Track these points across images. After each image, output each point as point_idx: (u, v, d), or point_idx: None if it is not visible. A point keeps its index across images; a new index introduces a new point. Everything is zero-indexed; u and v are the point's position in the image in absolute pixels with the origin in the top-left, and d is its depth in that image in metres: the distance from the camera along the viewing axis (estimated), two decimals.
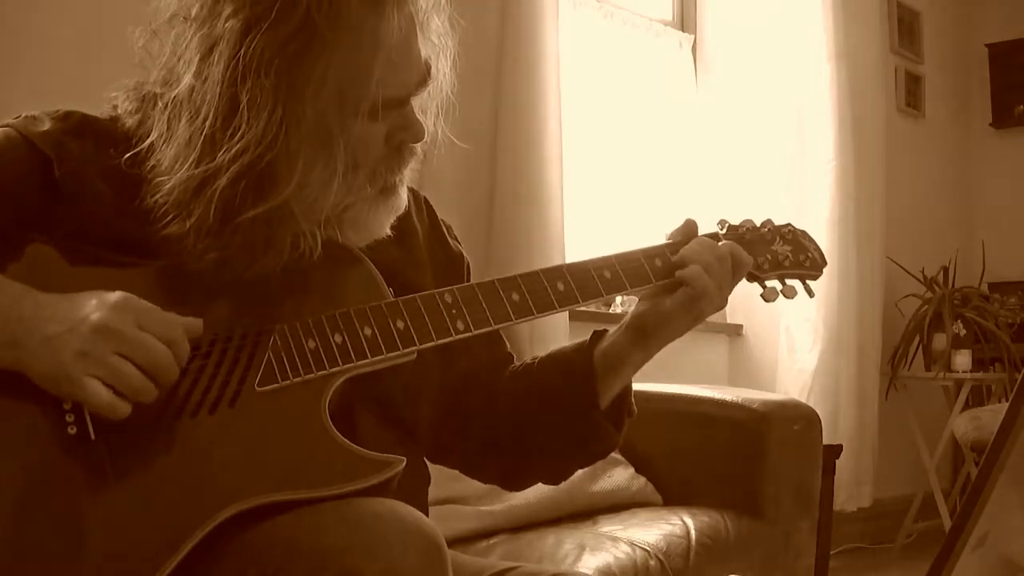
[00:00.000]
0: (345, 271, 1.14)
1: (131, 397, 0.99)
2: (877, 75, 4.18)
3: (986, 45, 5.11)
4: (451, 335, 1.13)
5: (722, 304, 1.25)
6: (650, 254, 1.26)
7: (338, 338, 1.08)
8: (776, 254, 1.35)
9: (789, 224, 1.39)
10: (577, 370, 1.26)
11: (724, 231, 1.34)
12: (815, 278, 1.38)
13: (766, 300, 1.34)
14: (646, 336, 1.25)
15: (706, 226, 1.33)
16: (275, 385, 1.06)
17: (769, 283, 1.34)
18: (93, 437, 0.99)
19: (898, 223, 4.33)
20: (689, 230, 1.30)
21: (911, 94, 4.75)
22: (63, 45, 2.17)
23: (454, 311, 1.14)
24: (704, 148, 4.00)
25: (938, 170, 4.97)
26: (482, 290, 1.17)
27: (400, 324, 1.11)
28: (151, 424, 1.01)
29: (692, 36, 4.04)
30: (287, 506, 0.99)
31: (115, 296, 1.01)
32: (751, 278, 1.33)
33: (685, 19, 4.07)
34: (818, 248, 1.40)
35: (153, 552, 0.96)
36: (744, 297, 1.28)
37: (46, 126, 1.11)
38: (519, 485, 1.40)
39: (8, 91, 2.06)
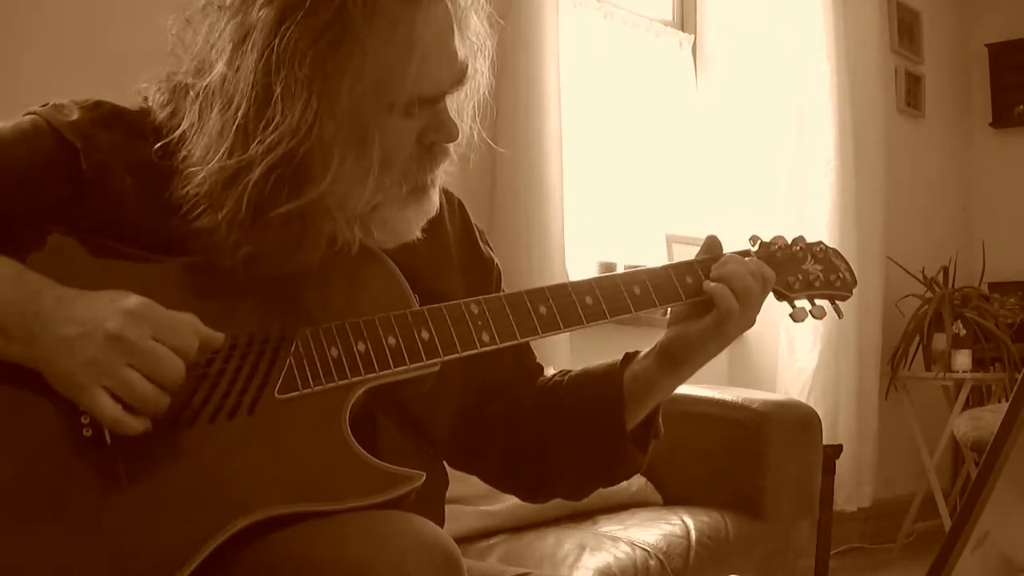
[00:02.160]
0: (369, 274, 1.12)
1: (141, 410, 0.97)
2: (877, 75, 4.19)
3: (986, 45, 5.11)
4: (476, 347, 1.11)
5: (750, 323, 1.22)
6: (680, 271, 1.23)
7: (361, 347, 1.06)
8: (807, 274, 1.32)
9: (821, 242, 1.36)
10: (606, 395, 1.24)
11: (756, 248, 1.31)
12: (845, 299, 1.35)
13: (795, 320, 1.31)
14: (676, 363, 1.22)
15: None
16: (295, 393, 1.04)
17: (798, 303, 1.31)
18: (109, 441, 0.98)
19: (898, 223, 4.33)
20: (713, 246, 1.27)
21: (911, 94, 4.75)
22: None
23: (480, 322, 1.12)
24: (704, 148, 4.00)
25: (938, 170, 4.97)
26: (509, 301, 1.14)
27: (425, 334, 1.09)
28: (168, 429, 1.00)
29: (692, 36, 4.04)
30: (303, 517, 0.97)
31: (132, 302, 0.99)
32: (780, 297, 1.30)
33: (685, 19, 4.07)
34: (849, 268, 1.36)
35: (166, 560, 0.94)
36: None
37: (75, 116, 1.08)
38: (539, 499, 1.38)
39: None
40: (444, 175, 1.16)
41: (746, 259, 1.25)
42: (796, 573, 2.35)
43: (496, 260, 1.35)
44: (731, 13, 4.06)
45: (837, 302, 1.35)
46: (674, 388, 1.25)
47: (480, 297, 1.14)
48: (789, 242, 1.33)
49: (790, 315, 1.31)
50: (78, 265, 1.04)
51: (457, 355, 1.10)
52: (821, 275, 1.33)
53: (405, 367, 1.08)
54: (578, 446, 1.26)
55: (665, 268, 1.24)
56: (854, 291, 1.36)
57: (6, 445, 0.97)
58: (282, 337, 1.05)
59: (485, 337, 1.12)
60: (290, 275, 1.07)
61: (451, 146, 1.13)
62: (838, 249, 1.38)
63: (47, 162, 1.06)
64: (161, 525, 0.97)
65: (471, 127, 1.16)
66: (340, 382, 1.05)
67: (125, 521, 0.96)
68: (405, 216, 1.13)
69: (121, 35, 1.05)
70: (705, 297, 1.21)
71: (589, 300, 1.18)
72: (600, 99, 3.61)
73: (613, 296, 1.19)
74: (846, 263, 1.37)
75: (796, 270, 1.31)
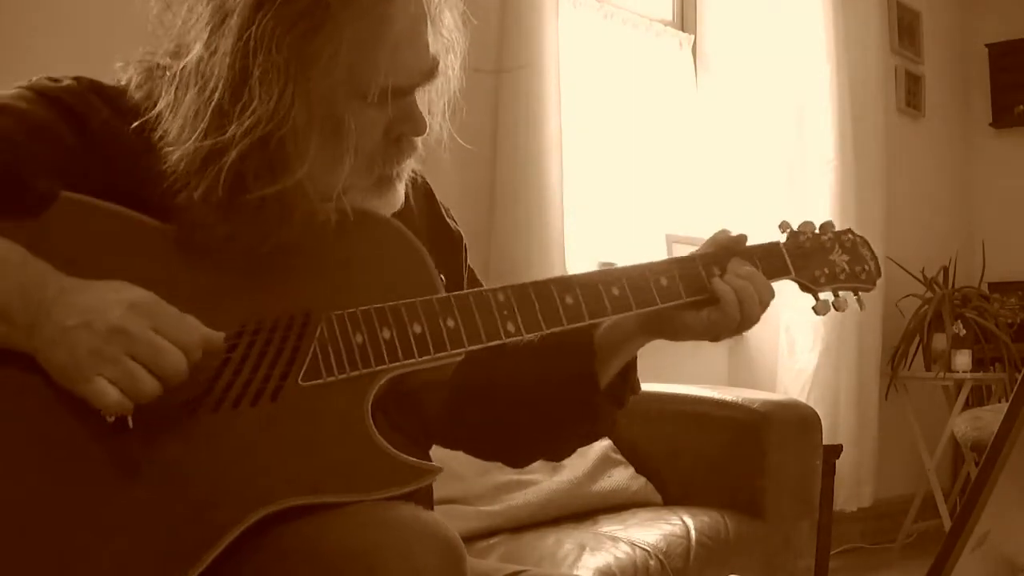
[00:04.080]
0: (394, 252, 1.11)
1: (136, 399, 0.97)
2: (877, 75, 4.19)
3: (986, 45, 5.10)
4: (501, 338, 1.10)
5: (740, 333, 1.23)
6: (707, 262, 1.22)
7: (387, 334, 1.05)
8: (834, 265, 1.31)
9: (850, 230, 1.35)
10: (577, 351, 1.23)
11: (785, 238, 1.30)
12: (868, 291, 1.34)
13: (817, 313, 1.30)
14: (656, 331, 1.23)
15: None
16: (319, 381, 1.03)
17: (823, 295, 1.30)
18: (131, 426, 0.97)
19: (898, 223, 4.33)
20: (738, 244, 1.26)
21: (911, 94, 4.75)
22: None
23: (506, 312, 1.11)
24: (704, 148, 4.00)
25: (938, 170, 4.97)
26: (536, 290, 1.13)
27: (451, 323, 1.08)
28: (189, 414, 0.99)
29: (692, 36, 4.04)
30: (319, 507, 0.98)
31: (136, 294, 0.98)
32: (805, 289, 1.30)
33: (685, 19, 4.07)
34: (875, 258, 1.35)
35: (186, 548, 0.95)
36: None
37: (67, 83, 1.09)
38: (520, 462, 1.39)
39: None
40: (409, 171, 1.16)
41: (765, 284, 1.23)
42: (796, 573, 2.35)
43: (462, 234, 1.34)
44: (731, 13, 4.06)
45: (860, 294, 1.34)
46: (644, 344, 1.24)
47: (507, 285, 1.13)
48: (818, 230, 1.32)
49: (813, 308, 1.30)
50: (90, 232, 1.03)
51: (481, 345, 1.09)
52: (847, 266, 1.32)
53: (430, 356, 1.06)
54: (552, 405, 1.25)
55: (692, 259, 1.22)
56: (877, 282, 1.34)
57: (25, 437, 0.97)
58: (305, 322, 1.04)
59: (510, 327, 1.10)
60: (310, 252, 1.06)
61: (419, 141, 1.13)
62: (866, 239, 1.36)
63: (54, 120, 1.06)
64: (181, 512, 0.97)
65: (440, 125, 1.16)
66: (364, 371, 1.04)
67: (144, 507, 0.96)
68: (369, 206, 1.12)
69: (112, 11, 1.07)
70: (713, 297, 1.21)
71: (616, 291, 1.17)
72: (600, 99, 3.61)
73: (639, 287, 1.18)
74: (872, 252, 1.35)
75: (823, 262, 1.30)
